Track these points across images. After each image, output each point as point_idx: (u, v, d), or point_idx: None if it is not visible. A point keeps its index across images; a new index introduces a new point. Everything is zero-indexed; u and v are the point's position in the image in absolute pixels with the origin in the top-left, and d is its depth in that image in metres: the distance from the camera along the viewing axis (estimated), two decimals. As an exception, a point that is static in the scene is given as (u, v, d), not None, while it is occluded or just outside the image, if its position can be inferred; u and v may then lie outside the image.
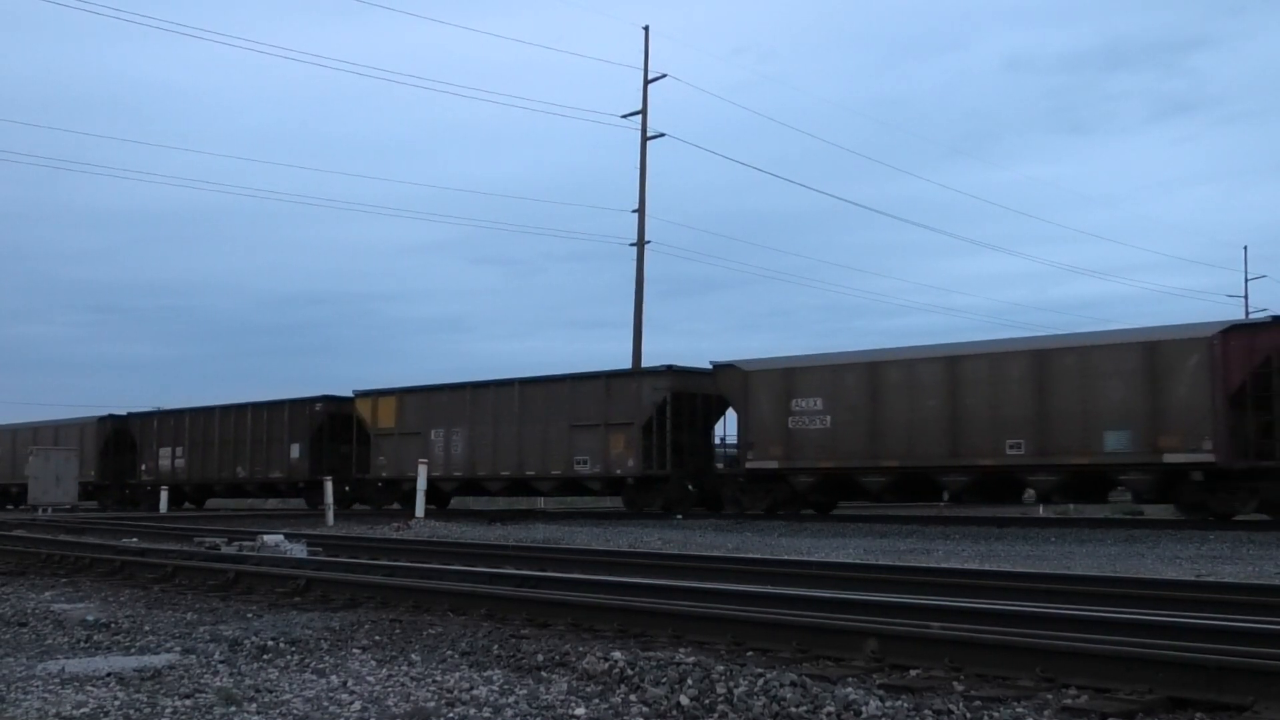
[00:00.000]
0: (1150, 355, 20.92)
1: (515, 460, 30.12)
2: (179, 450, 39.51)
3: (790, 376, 25.38)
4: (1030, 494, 24.12)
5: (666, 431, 27.35)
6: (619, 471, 28.13)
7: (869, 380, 24.23)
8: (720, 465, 28.01)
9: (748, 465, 25.79)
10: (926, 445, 23.30)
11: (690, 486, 27.90)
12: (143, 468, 40.92)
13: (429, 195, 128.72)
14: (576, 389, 29.12)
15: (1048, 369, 22.03)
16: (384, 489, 33.34)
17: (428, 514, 26.72)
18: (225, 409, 38.34)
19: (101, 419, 42.74)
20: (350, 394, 34.86)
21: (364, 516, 29.32)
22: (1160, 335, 21.19)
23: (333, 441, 34.97)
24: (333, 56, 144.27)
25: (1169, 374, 20.65)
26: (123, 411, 43.22)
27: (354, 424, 34.32)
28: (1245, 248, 62.75)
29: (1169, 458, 20.47)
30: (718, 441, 28.70)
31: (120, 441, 41.79)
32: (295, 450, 35.51)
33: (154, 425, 40.77)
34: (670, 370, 28.07)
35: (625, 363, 37.39)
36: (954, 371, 23.20)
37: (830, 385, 24.72)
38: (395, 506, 32.18)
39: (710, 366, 27.19)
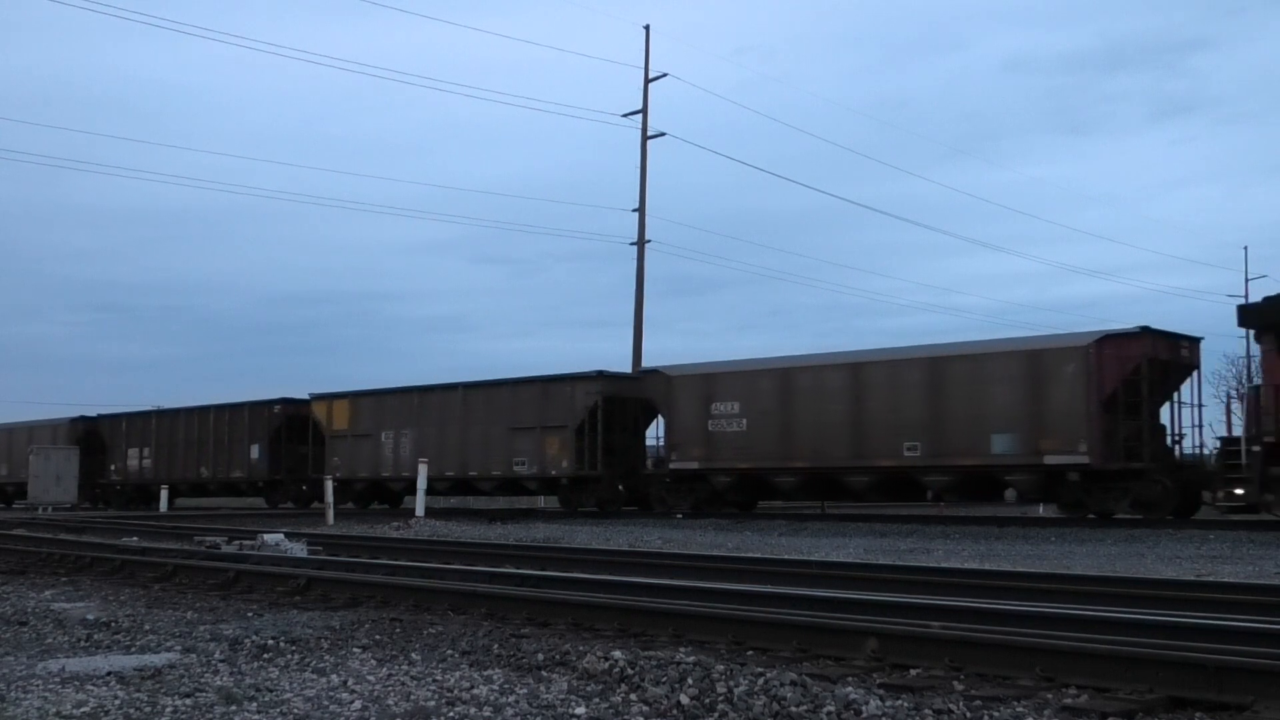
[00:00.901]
0: (1033, 363, 22.17)
1: (459, 461, 31.26)
2: (146, 451, 40.73)
3: (710, 382, 26.66)
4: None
5: (598, 434, 28.43)
6: (554, 472, 29.23)
7: (781, 385, 25.46)
8: (649, 466, 29.08)
9: (671, 466, 27.05)
10: (833, 447, 24.54)
11: (620, 486, 28.94)
12: (112, 468, 41.82)
13: (430, 194, 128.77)
14: (515, 393, 30.34)
15: (942, 375, 23.32)
16: (338, 489, 34.13)
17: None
18: (189, 411, 39.68)
19: (73, 420, 43.86)
20: (307, 396, 36.14)
21: (363, 516, 29.45)
22: (1042, 344, 22.52)
23: (290, 442, 36.27)
24: (334, 56, 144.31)
25: (1049, 381, 21.91)
26: (94, 413, 44.51)
27: (310, 426, 35.50)
28: (1245, 248, 62.63)
29: (1049, 459, 21.71)
30: (651, 443, 29.69)
31: (91, 442, 42.60)
32: (255, 451, 36.78)
33: (123, 427, 42.03)
34: (601, 375, 29.09)
35: (626, 363, 37.58)
36: (857, 377, 24.48)
37: (746, 390, 25.96)
38: (349, 506, 33.16)
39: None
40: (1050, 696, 5.09)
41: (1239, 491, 19.69)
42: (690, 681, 5.21)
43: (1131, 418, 21.44)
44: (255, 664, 6.23)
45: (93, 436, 42.61)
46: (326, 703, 5.12)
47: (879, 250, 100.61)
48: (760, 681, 5.11)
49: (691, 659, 5.67)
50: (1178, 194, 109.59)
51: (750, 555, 13.67)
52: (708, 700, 4.97)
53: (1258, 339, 20.18)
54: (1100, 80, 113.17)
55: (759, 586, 9.11)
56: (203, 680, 5.67)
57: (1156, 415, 22.19)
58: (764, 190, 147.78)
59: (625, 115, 40.26)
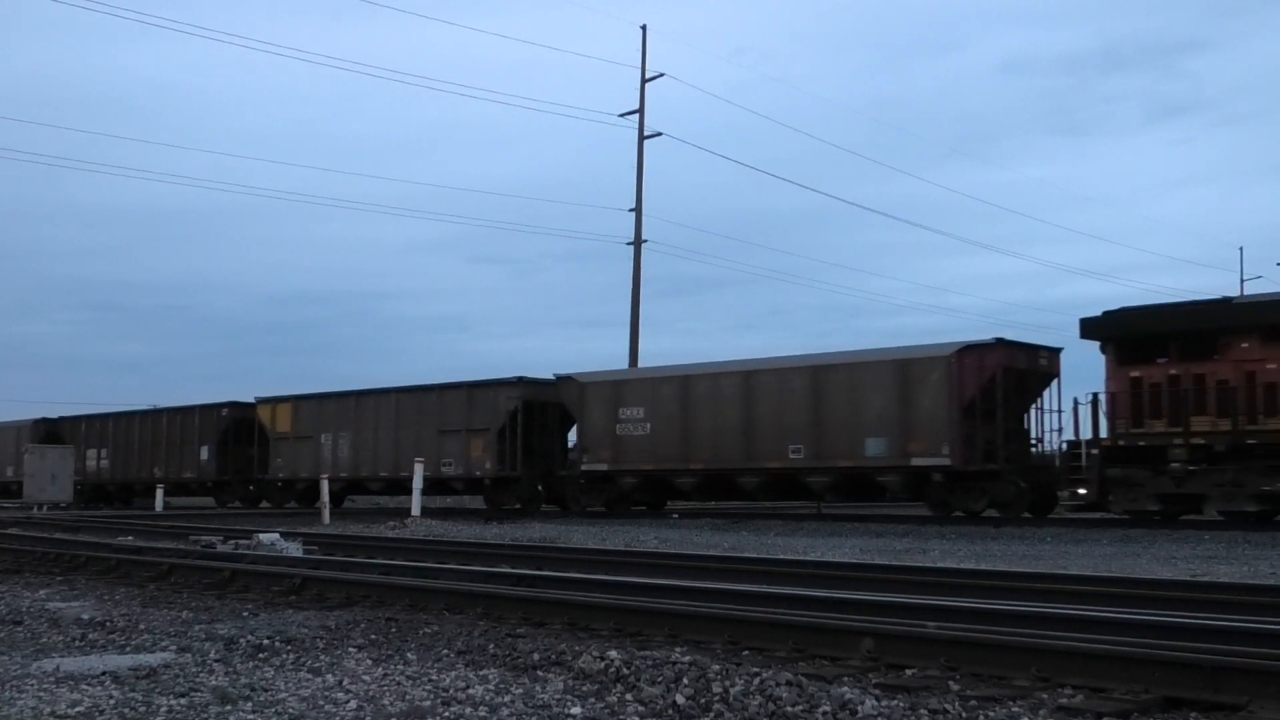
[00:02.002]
0: (902, 372, 23.74)
1: (392, 462, 32.73)
2: (104, 452, 42.03)
3: (618, 388, 28.35)
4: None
5: (518, 436, 30.03)
6: (478, 473, 30.82)
7: (681, 392, 27.13)
8: (565, 468, 30.40)
9: (583, 468, 28.61)
10: (727, 450, 26.19)
11: (540, 486, 30.63)
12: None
13: (428, 194, 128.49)
14: (443, 398, 31.91)
15: (823, 383, 24.91)
16: (282, 488, 36.18)
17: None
18: (144, 413, 41.54)
19: (36, 421, 44.85)
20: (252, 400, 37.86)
21: (360, 515, 29.53)
22: (910, 354, 24.04)
23: (238, 444, 37.79)
24: (332, 56, 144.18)
25: (917, 388, 23.48)
26: (54, 415, 45.75)
27: (256, 428, 37.06)
28: (1241, 248, 63.24)
29: (916, 461, 23.35)
30: (571, 445, 30.93)
31: (52, 443, 42.99)
32: (204, 452, 38.56)
33: (81, 428, 43.51)
34: (521, 381, 30.61)
35: (623, 362, 37.72)
36: (749, 384, 26.05)
37: (650, 396, 27.67)
38: (292, 505, 35.13)
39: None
40: (1046, 696, 5.09)
41: (1082, 491, 21.46)
42: (686, 681, 5.20)
43: (988, 423, 22.89)
44: (250, 664, 6.22)
45: (53, 438, 43.53)
46: (322, 702, 5.11)
47: (876, 250, 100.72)
48: (756, 681, 5.11)
49: (687, 659, 5.66)
50: (1175, 194, 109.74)
51: (746, 555, 13.67)
52: (703, 700, 4.97)
53: (1102, 350, 21.71)
54: (1098, 81, 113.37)
55: (755, 586, 9.11)
56: (198, 680, 5.66)
57: (1020, 420, 23.92)
58: (761, 190, 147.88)
59: (622, 115, 40.25)
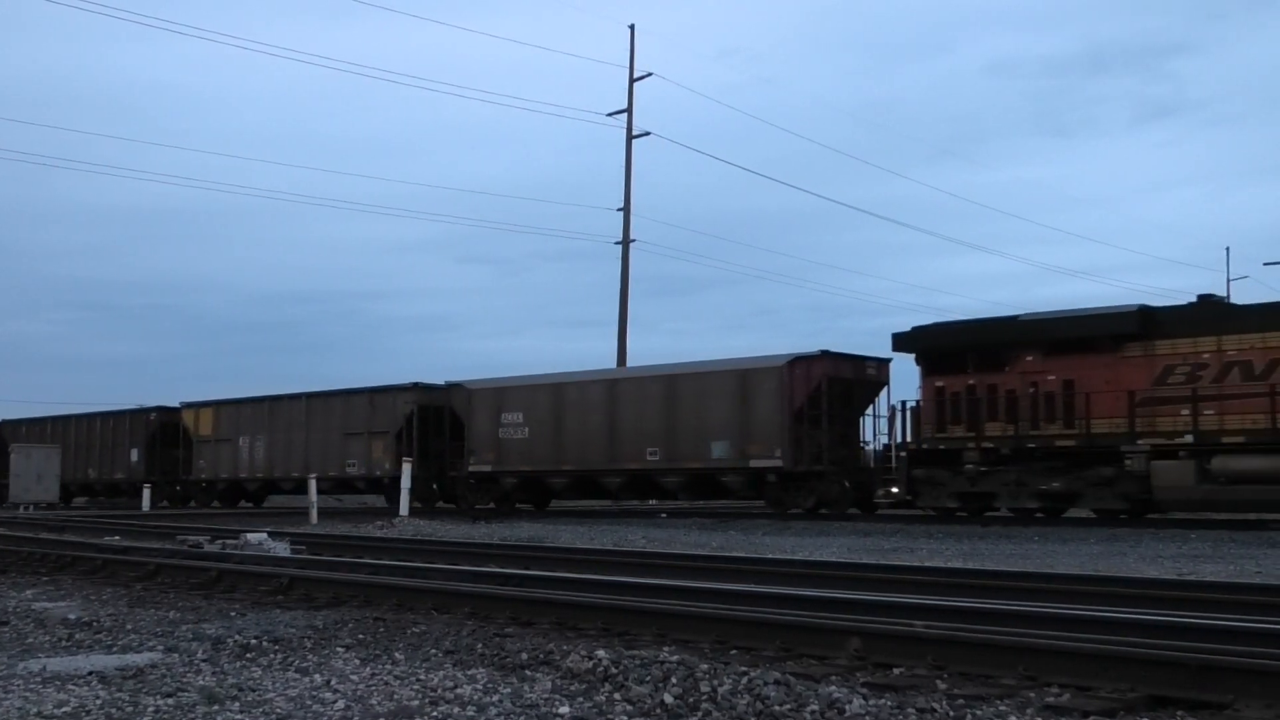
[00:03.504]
0: (742, 381, 25.76)
1: (302, 463, 34.53)
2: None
3: (501, 394, 30.35)
4: None
5: (414, 438, 31.86)
6: (379, 473, 32.66)
7: (555, 398, 29.14)
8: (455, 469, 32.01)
9: (470, 469, 30.65)
10: (593, 452, 28.27)
11: (434, 485, 32.68)
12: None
13: (416, 194, 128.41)
14: (348, 402, 34.01)
15: (675, 391, 26.94)
16: (205, 489, 38.43)
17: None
18: (80, 417, 43.54)
19: None
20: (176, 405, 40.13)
21: (347, 515, 29.63)
22: (749, 364, 26.07)
23: (165, 447, 40.01)
24: (323, 55, 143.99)
25: (755, 396, 25.50)
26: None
27: (181, 432, 39.23)
28: (1228, 249, 63.05)
29: (754, 463, 25.43)
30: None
31: None
32: (134, 454, 40.70)
33: (23, 430, 45.34)
34: (416, 387, 32.57)
35: (610, 361, 37.79)
36: (613, 392, 28.15)
37: (528, 402, 29.68)
38: (215, 504, 37.47)
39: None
40: (1033, 695, 5.10)
41: (894, 490, 23.65)
42: (674, 681, 5.21)
43: (816, 427, 24.93)
44: (238, 663, 6.20)
45: None
46: (309, 702, 5.10)
47: (865, 250, 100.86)
48: (744, 681, 5.12)
49: (675, 658, 5.67)
50: (1161, 195, 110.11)
51: (734, 554, 13.67)
52: (691, 699, 4.97)
53: (917, 362, 23.90)
54: (1083, 83, 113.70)
55: (743, 586, 9.11)
56: (185, 680, 5.64)
57: (852, 425, 26.11)
58: (750, 190, 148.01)
59: (610, 114, 40.25)
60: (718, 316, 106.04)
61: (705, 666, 5.40)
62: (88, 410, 44.02)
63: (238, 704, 5.06)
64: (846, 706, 4.71)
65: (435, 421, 32.21)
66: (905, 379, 26.10)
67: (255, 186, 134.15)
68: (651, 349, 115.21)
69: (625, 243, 39.53)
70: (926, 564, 12.41)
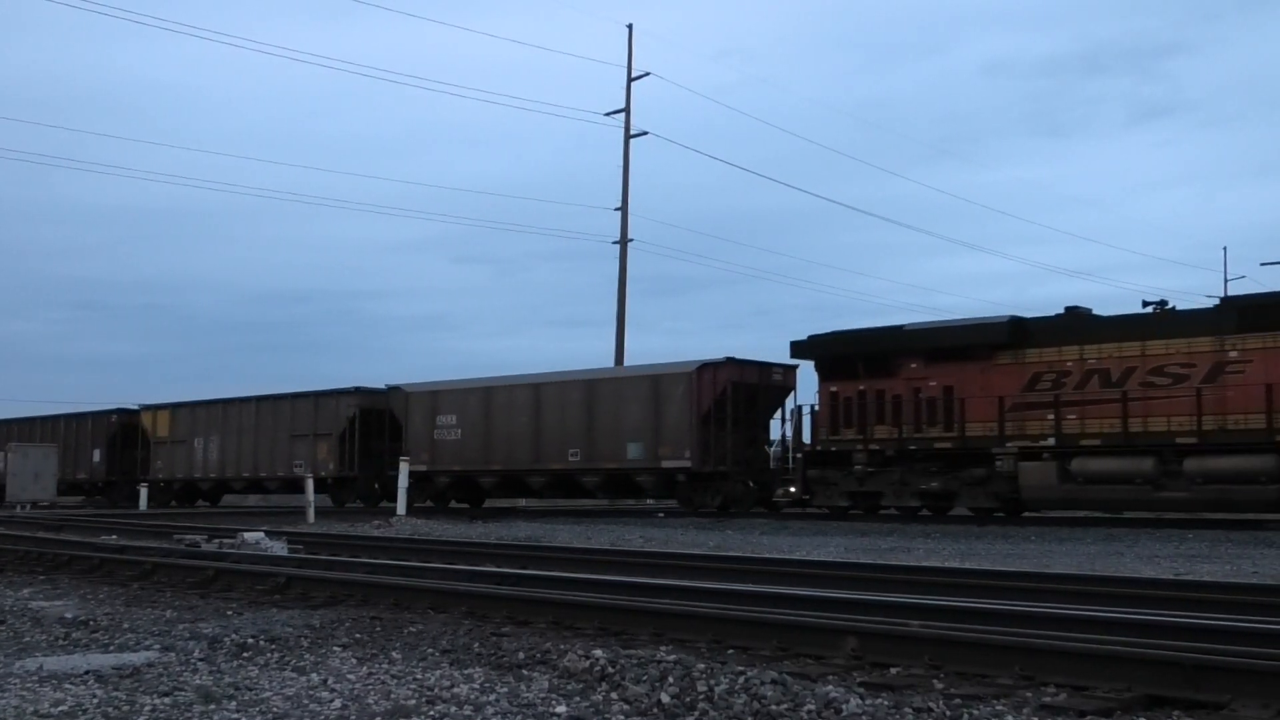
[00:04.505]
0: (655, 386, 27.17)
1: (252, 463, 36.60)
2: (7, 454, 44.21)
3: (435, 398, 31.72)
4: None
5: (356, 440, 33.66)
6: (324, 473, 33.73)
7: (485, 401, 30.53)
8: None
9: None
10: (519, 453, 29.67)
11: (376, 485, 34.02)
12: None
13: (413, 193, 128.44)
14: (295, 405, 35.56)
15: (595, 395, 28.24)
16: (163, 489, 39.74)
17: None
18: (44, 419, 45.50)
19: None
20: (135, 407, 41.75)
21: (345, 514, 29.64)
22: (662, 370, 27.50)
23: (125, 448, 41.66)
24: (319, 54, 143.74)
25: (666, 400, 26.90)
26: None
27: (140, 433, 40.79)
28: (1224, 248, 63.46)
29: (665, 463, 26.87)
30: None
31: None
32: (97, 455, 42.53)
33: None
34: (358, 391, 34.37)
35: (609, 361, 37.80)
36: (538, 396, 29.39)
37: (461, 405, 31.08)
38: (172, 504, 38.73)
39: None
40: (1029, 695, 5.11)
41: (792, 489, 25.20)
42: (671, 680, 5.21)
43: (721, 430, 26.20)
44: (234, 663, 6.20)
45: None
46: (306, 701, 5.10)
47: (862, 250, 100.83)
48: (741, 680, 5.12)
49: (672, 658, 5.67)
50: (1157, 195, 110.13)
51: (731, 554, 13.67)
52: (688, 699, 4.97)
53: (816, 368, 25.32)
54: (1079, 83, 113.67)
55: (739, 585, 9.11)
56: (182, 679, 5.64)
57: (760, 428, 27.37)
58: (747, 190, 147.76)
59: (608, 114, 40.28)
60: (715, 316, 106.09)
61: (702, 666, 5.40)
62: (52, 413, 45.88)
63: (234, 703, 5.06)
64: (843, 706, 4.72)
65: (376, 424, 33.67)
66: (815, 383, 27.01)
67: (253, 186, 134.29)
68: (650, 348, 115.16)
69: (623, 242, 39.55)
70: (923, 564, 12.42)
